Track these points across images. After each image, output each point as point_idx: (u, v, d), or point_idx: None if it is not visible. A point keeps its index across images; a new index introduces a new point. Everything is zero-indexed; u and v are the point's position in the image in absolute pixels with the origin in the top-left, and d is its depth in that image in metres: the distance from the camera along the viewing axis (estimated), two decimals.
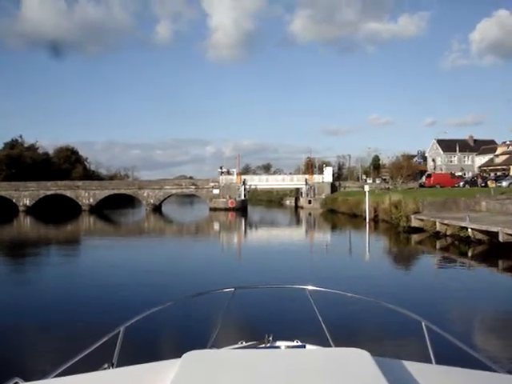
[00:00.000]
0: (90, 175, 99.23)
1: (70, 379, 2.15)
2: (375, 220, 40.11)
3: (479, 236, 23.41)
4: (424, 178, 63.52)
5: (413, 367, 2.16)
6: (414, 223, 30.32)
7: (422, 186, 59.76)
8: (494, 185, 47.05)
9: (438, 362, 2.64)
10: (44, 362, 8.28)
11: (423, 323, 3.11)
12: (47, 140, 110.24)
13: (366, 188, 39.08)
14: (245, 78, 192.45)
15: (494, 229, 21.33)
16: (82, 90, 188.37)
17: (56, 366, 2.58)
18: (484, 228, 22.23)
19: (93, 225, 53.46)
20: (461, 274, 19.48)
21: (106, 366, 2.77)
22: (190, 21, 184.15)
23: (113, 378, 2.21)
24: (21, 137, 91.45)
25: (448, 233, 26.55)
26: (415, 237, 29.87)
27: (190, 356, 2.15)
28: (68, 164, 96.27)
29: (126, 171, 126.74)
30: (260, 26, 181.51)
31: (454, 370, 2.26)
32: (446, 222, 26.08)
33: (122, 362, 2.64)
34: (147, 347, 8.59)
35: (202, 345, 3.34)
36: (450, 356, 2.98)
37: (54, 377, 2.37)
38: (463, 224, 24.17)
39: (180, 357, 2.14)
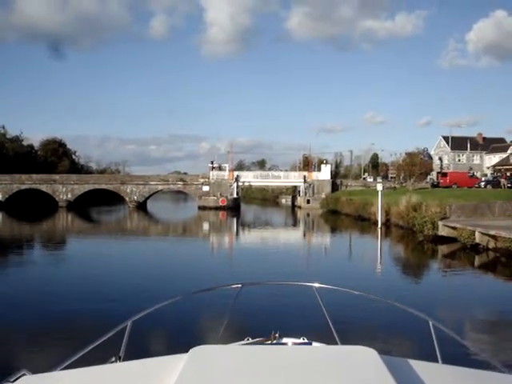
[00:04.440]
0: (79, 169, 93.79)
1: (76, 372, 2.17)
2: (386, 225, 34.39)
3: None
4: (438, 177, 57.69)
5: (419, 366, 2.15)
6: (442, 231, 24.63)
7: (435, 185, 54.00)
8: None
9: (445, 362, 2.61)
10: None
11: (430, 323, 3.04)
12: (42, 135, 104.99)
13: (379, 187, 33.08)
14: (240, 74, 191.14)
15: None
16: (77, 84, 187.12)
17: (63, 358, 2.54)
18: None
19: (69, 224, 48.33)
20: None
21: (113, 359, 2.75)
22: (186, 15, 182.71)
23: (120, 372, 2.21)
24: (3, 127, 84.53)
25: (490, 246, 20.89)
26: (443, 248, 24.26)
27: (197, 351, 2.14)
28: (55, 157, 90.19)
29: (117, 166, 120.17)
30: (256, 22, 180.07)
31: (461, 370, 2.25)
32: (492, 232, 20.33)
33: (129, 356, 2.63)
34: (154, 341, 8.80)
35: (209, 340, 3.75)
36: (456, 356, 3.08)
37: (62, 369, 2.37)
38: None
39: (187, 352, 2.13)
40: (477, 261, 20.95)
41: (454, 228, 23.63)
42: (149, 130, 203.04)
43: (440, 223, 24.91)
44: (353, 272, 19.00)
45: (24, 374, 2.16)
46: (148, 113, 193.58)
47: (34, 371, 2.20)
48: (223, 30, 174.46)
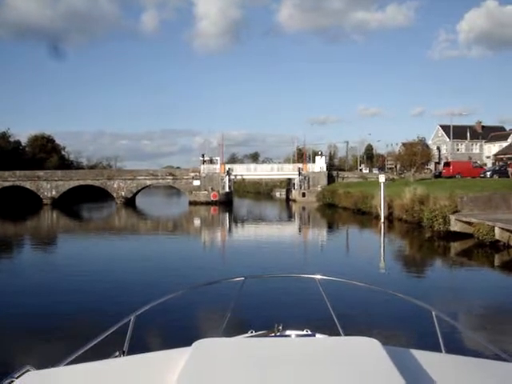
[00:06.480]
0: (68, 165, 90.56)
1: (81, 367, 2.15)
2: (389, 219, 32.03)
3: None
4: (437, 166, 55.37)
5: (422, 356, 2.12)
6: (455, 227, 22.28)
7: (437, 176, 51.63)
8: None
9: (448, 351, 2.60)
10: None
11: (433, 312, 3.00)
12: (35, 131, 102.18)
13: (382, 179, 30.62)
14: (232, 67, 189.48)
15: None
16: (70, 80, 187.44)
17: (67, 354, 2.53)
18: None
19: (53, 222, 46.18)
20: None
21: (117, 353, 2.71)
22: (176, 9, 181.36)
23: (124, 366, 2.20)
24: None
25: None
26: (456, 245, 21.98)
27: (201, 344, 2.12)
28: (43, 153, 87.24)
29: (108, 161, 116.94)
30: (246, 15, 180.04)
31: (464, 359, 2.23)
32: None
33: (133, 350, 2.59)
34: (158, 335, 8.80)
35: (212, 333, 3.51)
36: (459, 345, 3.50)
37: (66, 365, 2.36)
38: None
39: (190, 345, 2.11)
40: (497, 259, 18.73)
41: (469, 223, 21.26)
42: (141, 125, 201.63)
43: (452, 217, 22.56)
44: (357, 273, 16.59)
45: (28, 370, 2.11)
46: (140, 108, 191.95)
47: (38, 366, 2.16)
48: (213, 23, 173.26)
